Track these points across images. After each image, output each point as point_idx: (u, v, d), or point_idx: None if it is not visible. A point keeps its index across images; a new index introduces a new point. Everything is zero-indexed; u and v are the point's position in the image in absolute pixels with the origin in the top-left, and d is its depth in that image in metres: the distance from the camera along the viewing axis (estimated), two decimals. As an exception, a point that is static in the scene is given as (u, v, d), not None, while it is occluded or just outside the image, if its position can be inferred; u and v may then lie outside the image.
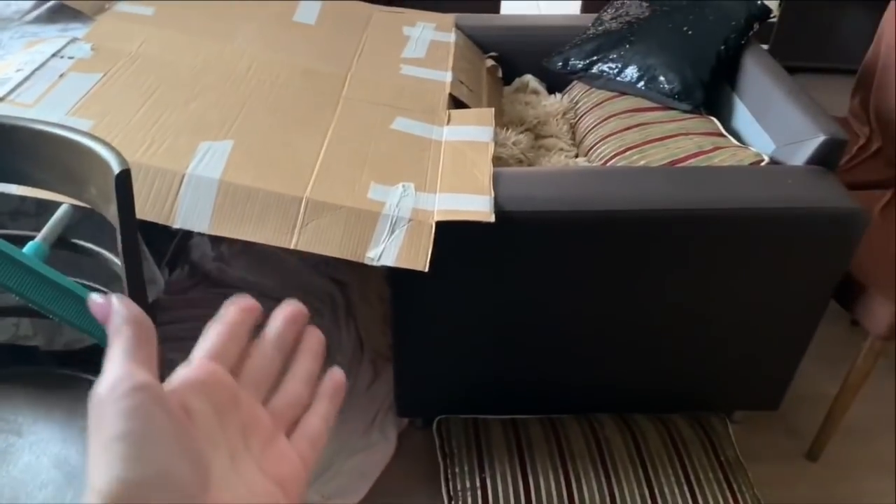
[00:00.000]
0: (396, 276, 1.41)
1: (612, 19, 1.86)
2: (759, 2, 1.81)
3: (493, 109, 1.53)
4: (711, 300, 1.45)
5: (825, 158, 1.43)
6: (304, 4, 1.84)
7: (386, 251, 1.20)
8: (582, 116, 1.84)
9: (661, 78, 1.70)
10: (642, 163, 1.55)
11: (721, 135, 1.61)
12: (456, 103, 1.63)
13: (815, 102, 1.52)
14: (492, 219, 1.24)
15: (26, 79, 1.33)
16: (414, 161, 1.38)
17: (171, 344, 2.00)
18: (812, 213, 1.33)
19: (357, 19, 1.86)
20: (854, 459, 1.72)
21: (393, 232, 1.22)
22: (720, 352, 1.56)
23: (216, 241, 2.28)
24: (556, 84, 2.01)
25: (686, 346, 1.54)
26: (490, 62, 1.92)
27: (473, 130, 1.49)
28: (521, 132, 1.79)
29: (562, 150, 1.77)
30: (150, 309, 1.58)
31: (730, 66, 1.75)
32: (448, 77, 1.68)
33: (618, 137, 1.65)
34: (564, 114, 1.87)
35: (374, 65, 1.68)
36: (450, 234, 1.26)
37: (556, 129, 1.82)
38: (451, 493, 1.50)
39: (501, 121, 1.82)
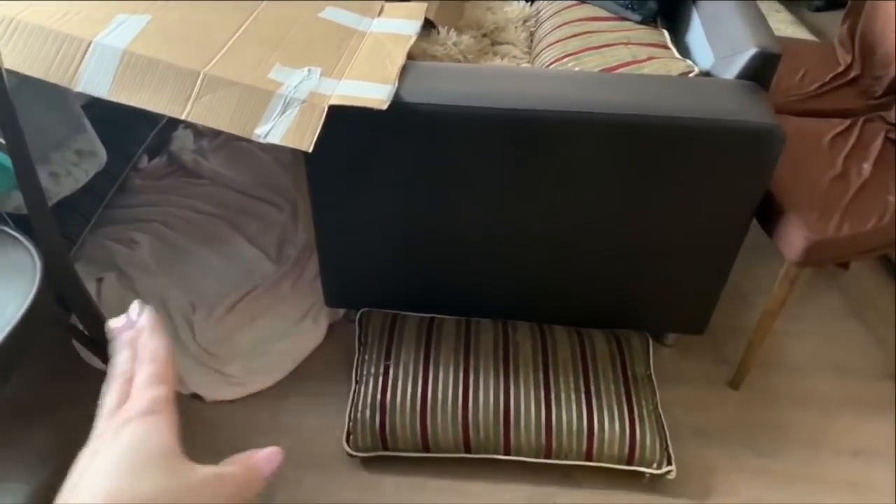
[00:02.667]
0: (311, 168, 1.45)
1: (581, -77, 1.78)
2: None
3: (425, 5, 1.52)
4: (625, 211, 1.44)
5: (757, 73, 1.37)
6: None
7: (274, 129, 1.23)
8: (541, 24, 1.80)
9: (617, -15, 1.65)
10: (577, 69, 1.52)
11: (664, 46, 1.55)
12: None
13: (761, 16, 1.45)
14: (384, 107, 1.25)
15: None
16: (330, 48, 1.39)
17: (137, 224, 2.10)
18: (722, 126, 1.29)
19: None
20: (777, 391, 1.70)
21: (284, 111, 1.25)
22: (639, 269, 1.55)
23: (198, 134, 2.36)
24: (530, -9, 1.96)
25: (604, 261, 1.54)
26: (457, -37, 1.88)
27: (401, 23, 1.48)
28: (476, 36, 1.77)
29: (514, 57, 1.74)
30: (91, 182, 1.67)
31: (696, -23, 1.68)
32: (397, -27, 1.66)
33: (561, 45, 1.61)
34: (525, 21, 1.83)
35: (324, -44, 1.67)
36: (354, 123, 1.28)
37: (513, 36, 1.79)
38: (358, 378, 1.57)
39: (458, 24, 1.80)
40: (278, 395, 1.65)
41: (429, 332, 1.61)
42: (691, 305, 1.63)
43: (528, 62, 1.74)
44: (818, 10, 3.36)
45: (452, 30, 1.63)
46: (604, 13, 1.69)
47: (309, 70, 1.32)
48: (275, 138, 1.23)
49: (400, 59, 1.37)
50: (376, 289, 1.67)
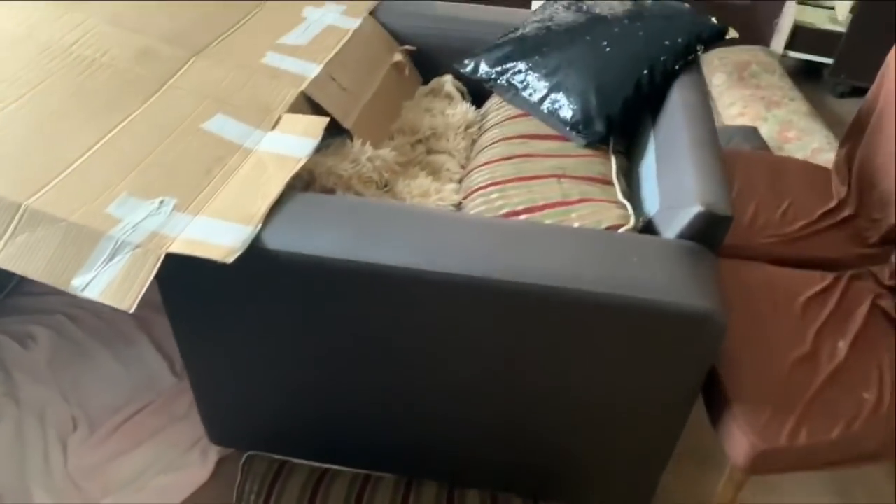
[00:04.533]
0: (169, 307, 1.25)
1: (535, 21, 1.57)
2: (712, 21, 1.48)
3: (326, 120, 1.31)
4: (531, 383, 1.20)
5: (702, 235, 1.13)
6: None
7: (95, 281, 1.03)
8: (484, 134, 1.58)
9: (563, 102, 1.42)
10: (499, 203, 1.29)
11: (605, 181, 1.32)
12: (314, 105, 1.42)
13: (718, 158, 1.21)
14: (229, 260, 1.04)
15: None
16: (199, 171, 1.19)
17: (40, 316, 1.91)
18: (644, 306, 1.04)
19: (257, -7, 1.66)
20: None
21: (112, 258, 1.05)
22: (560, 438, 1.30)
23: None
24: (483, 90, 1.74)
25: (515, 425, 1.29)
26: (399, 57, 1.68)
27: (293, 142, 1.28)
28: (409, 143, 1.56)
29: (448, 170, 1.52)
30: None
31: (660, 93, 1.44)
32: (314, 71, 1.46)
33: (491, 168, 1.39)
34: (468, 127, 1.61)
35: (237, 49, 1.49)
36: (206, 267, 1.08)
37: (451, 145, 1.57)
38: (224, 543, 1.35)
39: (390, 129, 1.59)
40: (143, 546, 1.44)
41: (315, 492, 1.38)
42: (626, 485, 1.37)
43: (461, 177, 1.51)
44: (842, 95, 3.09)
45: (368, 143, 1.41)
46: (549, 130, 1.46)
47: (161, 201, 1.12)
48: (93, 293, 1.03)
49: (274, 192, 1.16)
50: (263, 431, 1.45)
